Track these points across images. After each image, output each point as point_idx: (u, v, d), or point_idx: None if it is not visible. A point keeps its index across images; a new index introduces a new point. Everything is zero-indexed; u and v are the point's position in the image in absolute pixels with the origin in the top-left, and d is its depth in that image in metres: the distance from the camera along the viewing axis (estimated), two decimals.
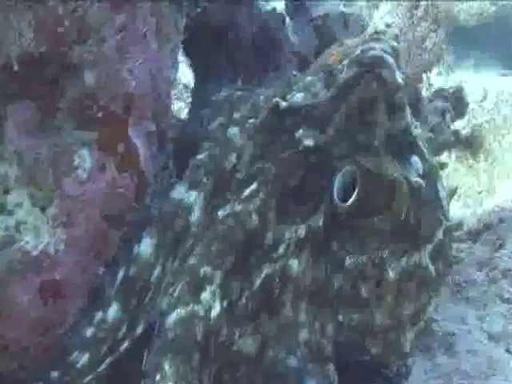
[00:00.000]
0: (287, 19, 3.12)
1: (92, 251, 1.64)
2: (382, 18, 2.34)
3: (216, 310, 1.40)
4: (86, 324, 1.55)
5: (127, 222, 1.65)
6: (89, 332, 1.54)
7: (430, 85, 3.95)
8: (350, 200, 1.38)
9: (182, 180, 1.66)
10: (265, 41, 2.76)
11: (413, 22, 2.41)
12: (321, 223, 1.42)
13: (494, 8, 4.00)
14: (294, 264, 1.42)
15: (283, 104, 1.52)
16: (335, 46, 2.50)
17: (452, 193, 1.62)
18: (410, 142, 1.49)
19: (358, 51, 1.47)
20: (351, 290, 1.42)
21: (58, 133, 1.62)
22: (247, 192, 1.47)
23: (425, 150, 1.51)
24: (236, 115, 1.71)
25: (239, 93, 1.84)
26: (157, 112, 1.70)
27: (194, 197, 1.59)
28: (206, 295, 1.41)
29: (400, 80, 1.44)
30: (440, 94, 2.95)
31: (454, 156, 3.24)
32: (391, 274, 1.39)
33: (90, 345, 1.53)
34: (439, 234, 1.48)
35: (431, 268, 1.46)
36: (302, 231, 1.42)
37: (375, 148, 1.43)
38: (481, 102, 3.39)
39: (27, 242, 1.61)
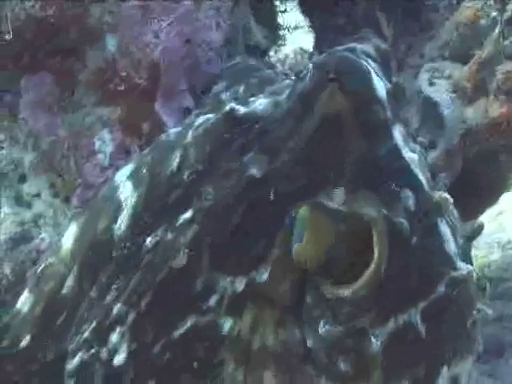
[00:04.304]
0: None
1: None
2: None
3: (121, 355, 1.16)
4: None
5: None
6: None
7: None
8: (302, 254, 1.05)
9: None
10: None
11: None
12: (265, 277, 1.09)
13: None
14: (227, 324, 1.11)
15: (240, 111, 1.15)
16: None
17: (476, 231, 1.23)
18: (399, 171, 1.11)
19: (326, 53, 1.11)
20: (329, 361, 1.09)
21: (77, 110, 1.39)
22: (181, 220, 1.15)
23: (423, 180, 1.13)
24: (239, 88, 1.32)
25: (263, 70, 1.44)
26: (195, 83, 1.40)
27: (128, 192, 1.22)
28: (114, 337, 1.18)
29: (379, 91, 1.08)
30: None
31: None
32: (374, 345, 1.06)
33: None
34: (439, 288, 1.11)
35: (421, 329, 1.09)
36: (240, 284, 1.11)
37: (344, 181, 1.07)
38: None
39: (43, 239, 1.40)
